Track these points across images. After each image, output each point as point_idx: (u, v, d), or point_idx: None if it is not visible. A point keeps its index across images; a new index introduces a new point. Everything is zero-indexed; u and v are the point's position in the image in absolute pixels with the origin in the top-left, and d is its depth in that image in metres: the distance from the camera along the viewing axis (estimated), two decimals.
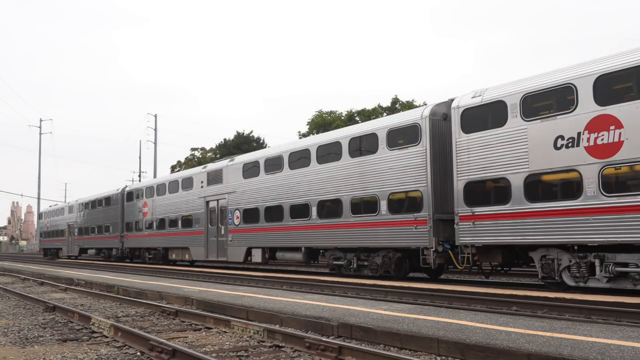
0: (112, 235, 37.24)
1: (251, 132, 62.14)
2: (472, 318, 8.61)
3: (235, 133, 62.52)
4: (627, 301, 10.23)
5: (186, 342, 8.16)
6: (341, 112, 54.06)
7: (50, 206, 57.35)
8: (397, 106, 48.79)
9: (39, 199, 74.40)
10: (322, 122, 51.97)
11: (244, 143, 59.15)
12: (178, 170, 57.22)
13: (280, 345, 7.76)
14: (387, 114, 43.23)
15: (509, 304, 10.91)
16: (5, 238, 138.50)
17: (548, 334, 7.03)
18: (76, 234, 43.50)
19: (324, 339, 7.36)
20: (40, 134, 75.90)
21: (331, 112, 55.26)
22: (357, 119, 49.25)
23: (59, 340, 8.58)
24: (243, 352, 7.46)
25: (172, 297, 13.11)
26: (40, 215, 59.61)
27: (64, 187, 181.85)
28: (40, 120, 76.35)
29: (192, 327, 9.63)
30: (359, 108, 52.42)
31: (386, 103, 51.82)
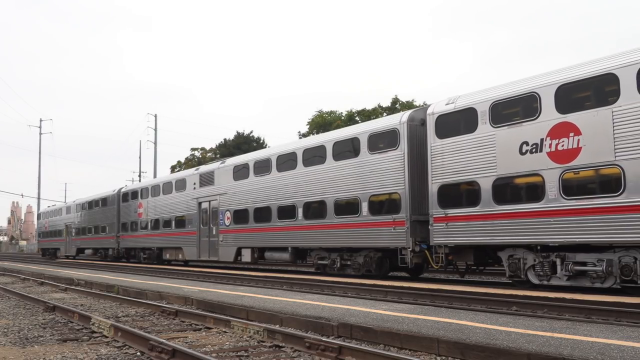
0: (108, 235, 36.62)
1: (251, 132, 59.52)
2: (472, 318, 8.26)
3: (236, 133, 59.34)
4: (627, 301, 9.88)
5: (186, 342, 7.81)
6: (341, 112, 52.85)
7: (48, 206, 55.58)
8: (397, 106, 48.16)
9: (39, 199, 73.57)
10: (322, 122, 51.26)
11: (244, 143, 56.30)
12: (178, 170, 56.74)
13: (280, 345, 7.43)
14: (387, 114, 42.85)
15: (509, 304, 10.49)
16: (5, 238, 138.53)
17: (548, 334, 6.74)
18: (74, 234, 42.68)
19: (324, 339, 7.07)
20: (40, 134, 74.61)
21: (331, 112, 53.74)
22: (357, 119, 48.55)
23: (59, 340, 8.23)
24: (243, 352, 7.13)
25: (172, 297, 12.62)
26: (39, 216, 58.61)
27: (64, 187, 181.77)
28: (40, 120, 74.20)
29: (192, 327, 9.24)
30: (359, 108, 51.44)
31: (386, 103, 50.64)
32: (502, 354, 5.99)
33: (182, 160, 63.59)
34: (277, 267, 26.88)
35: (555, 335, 6.67)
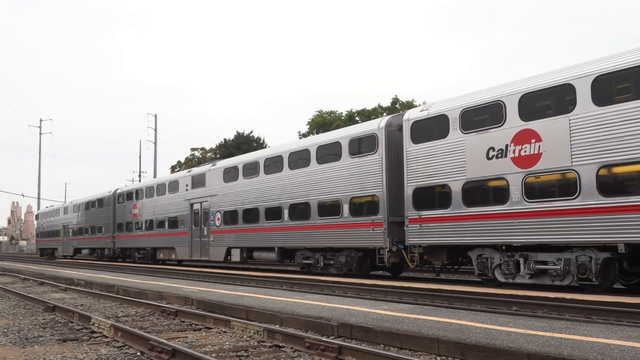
0: (104, 235, 36.00)
1: (251, 132, 56.49)
2: (472, 318, 7.92)
3: (236, 133, 56.22)
4: (627, 301, 9.51)
5: (186, 342, 7.47)
6: (341, 112, 51.23)
7: (46, 207, 54.19)
8: (397, 106, 47.43)
9: (39, 199, 72.49)
10: (322, 122, 50.39)
11: (244, 143, 52.56)
12: (178, 170, 56.80)
13: (280, 345, 7.11)
14: (387, 114, 42.98)
15: (509, 304, 10.01)
16: (5, 238, 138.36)
17: (548, 334, 6.46)
18: (71, 234, 41.86)
19: (324, 339, 6.76)
20: (40, 133, 73.62)
21: (331, 112, 50.50)
22: (357, 119, 47.22)
23: (59, 340, 7.87)
24: (243, 352, 6.82)
25: (172, 297, 12.13)
26: (37, 216, 56.75)
27: (64, 187, 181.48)
28: (40, 120, 70.82)
29: (192, 327, 8.85)
30: (359, 108, 49.23)
31: (386, 103, 49.37)
32: (502, 354, 5.69)
33: (182, 160, 62.46)
34: (277, 267, 25.98)
35: (555, 335, 6.36)
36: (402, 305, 9.99)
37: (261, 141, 56.66)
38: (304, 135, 47.25)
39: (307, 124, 51.05)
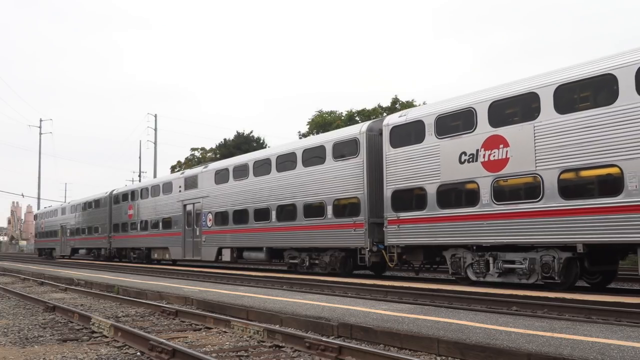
0: (100, 235, 35.46)
1: (251, 132, 53.47)
2: (472, 318, 7.67)
3: (236, 133, 53.09)
4: (627, 301, 9.24)
5: (186, 342, 7.19)
6: (341, 112, 50.94)
7: (45, 207, 53.46)
8: (397, 106, 46.86)
9: (39, 199, 71.61)
10: (322, 122, 49.80)
11: (244, 143, 49.35)
12: (178, 170, 56.89)
13: (280, 345, 6.84)
14: (387, 114, 42.96)
15: (509, 304, 9.61)
16: (5, 238, 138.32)
17: (548, 334, 6.25)
18: (68, 234, 41.08)
19: (324, 339, 6.52)
20: (40, 134, 72.08)
21: (331, 112, 49.15)
22: (357, 119, 46.41)
23: (59, 340, 7.56)
24: (243, 352, 6.56)
25: (172, 297, 11.75)
26: (35, 217, 55.44)
27: (64, 187, 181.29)
28: (40, 120, 64.84)
29: (192, 327, 8.54)
30: (359, 108, 49.08)
31: (386, 103, 49.85)
32: (502, 354, 5.45)
33: (182, 160, 61.95)
34: (275, 267, 25.41)
35: (555, 335, 6.12)
36: (402, 305, 9.86)
37: (261, 141, 56.19)
38: (304, 135, 46.77)
39: (307, 124, 50.60)
